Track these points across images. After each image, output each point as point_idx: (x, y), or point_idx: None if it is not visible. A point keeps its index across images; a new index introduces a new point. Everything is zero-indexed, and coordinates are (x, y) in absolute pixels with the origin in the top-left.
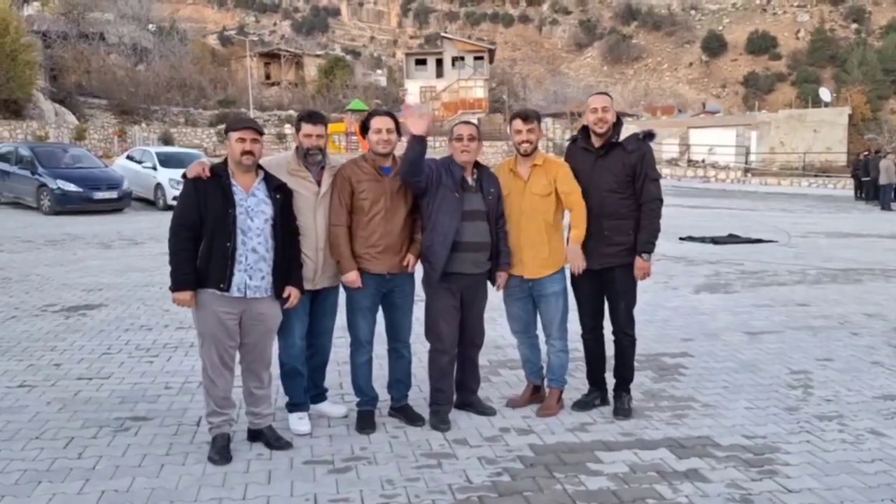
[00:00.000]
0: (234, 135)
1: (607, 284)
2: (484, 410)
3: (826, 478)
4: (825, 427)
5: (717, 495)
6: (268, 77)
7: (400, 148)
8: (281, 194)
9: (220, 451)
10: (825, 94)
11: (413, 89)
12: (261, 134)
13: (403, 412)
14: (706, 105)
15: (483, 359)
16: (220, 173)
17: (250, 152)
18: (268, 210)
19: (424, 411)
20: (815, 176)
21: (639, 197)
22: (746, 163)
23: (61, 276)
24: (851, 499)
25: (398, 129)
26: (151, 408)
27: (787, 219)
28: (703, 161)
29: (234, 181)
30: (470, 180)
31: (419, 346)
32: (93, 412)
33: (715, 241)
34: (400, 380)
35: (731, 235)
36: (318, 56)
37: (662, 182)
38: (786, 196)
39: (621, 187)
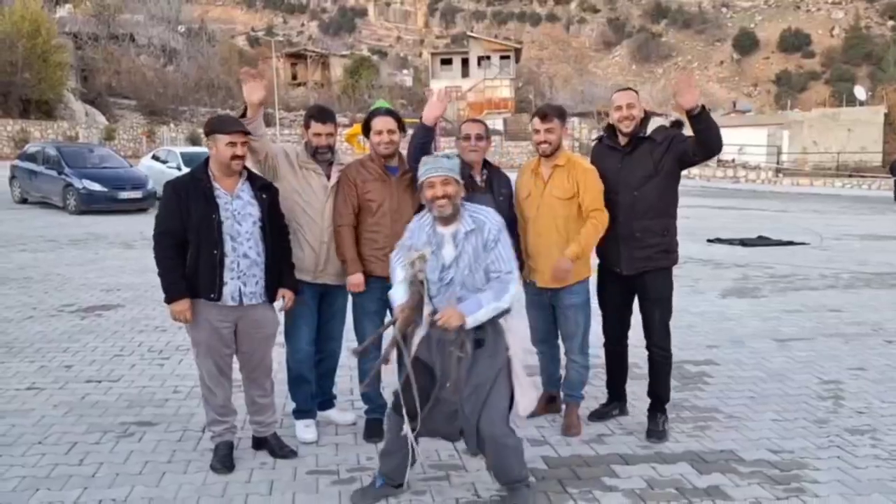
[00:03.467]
0: (224, 138)
1: (639, 292)
2: None
3: (858, 497)
4: (857, 442)
5: None
6: (294, 77)
7: (404, 145)
8: (267, 193)
9: (222, 460)
10: (860, 92)
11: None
12: (248, 134)
13: None
14: (737, 104)
15: None
16: (199, 177)
17: (241, 157)
18: (255, 212)
19: None
20: (850, 176)
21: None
22: (778, 163)
23: (81, 276)
24: None
25: (402, 127)
26: (158, 412)
27: (819, 220)
28: (732, 161)
29: (216, 184)
30: (478, 179)
31: None
32: (98, 416)
33: (744, 242)
34: None
35: (760, 237)
36: (344, 56)
37: (691, 183)
38: (818, 197)
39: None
